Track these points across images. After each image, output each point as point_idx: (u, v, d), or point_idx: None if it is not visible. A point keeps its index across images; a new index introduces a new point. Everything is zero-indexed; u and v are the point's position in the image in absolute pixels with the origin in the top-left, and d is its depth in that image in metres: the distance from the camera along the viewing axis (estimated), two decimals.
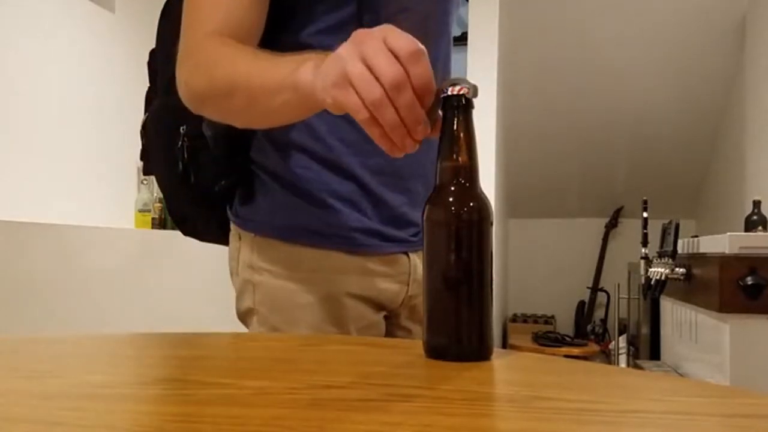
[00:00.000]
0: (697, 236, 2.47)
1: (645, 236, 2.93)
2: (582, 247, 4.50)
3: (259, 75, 0.66)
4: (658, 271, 2.55)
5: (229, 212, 0.88)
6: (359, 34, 0.57)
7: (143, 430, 0.37)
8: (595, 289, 4.41)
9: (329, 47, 0.78)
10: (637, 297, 3.21)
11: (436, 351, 0.56)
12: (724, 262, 1.96)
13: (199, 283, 2.36)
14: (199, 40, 0.73)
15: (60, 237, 1.98)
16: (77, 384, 0.49)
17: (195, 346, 0.67)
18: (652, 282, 2.60)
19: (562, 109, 4.01)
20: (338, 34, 0.79)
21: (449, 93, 0.56)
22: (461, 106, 0.56)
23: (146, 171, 0.97)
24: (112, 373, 0.54)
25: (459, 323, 0.56)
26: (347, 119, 0.58)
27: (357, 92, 0.54)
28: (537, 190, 4.42)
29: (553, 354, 2.17)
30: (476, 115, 0.57)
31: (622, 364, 3.18)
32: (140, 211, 2.71)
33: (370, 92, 0.54)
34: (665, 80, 3.78)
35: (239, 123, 0.76)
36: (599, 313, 4.42)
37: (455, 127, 0.56)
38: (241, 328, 0.86)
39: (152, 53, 0.94)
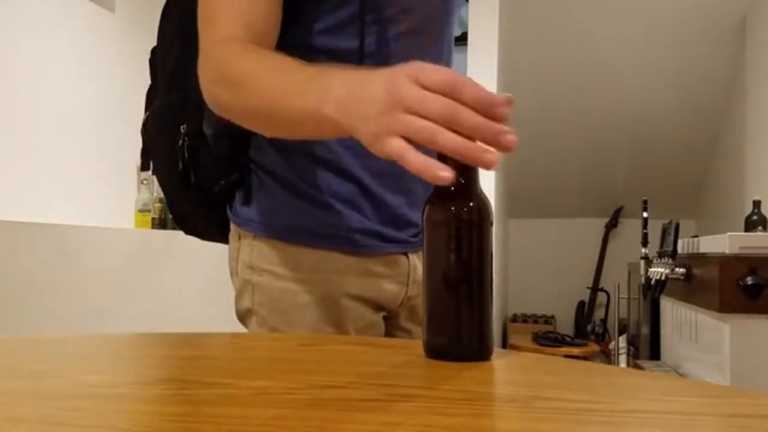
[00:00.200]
0: (697, 236, 2.47)
1: (645, 236, 2.94)
2: (582, 247, 4.50)
3: (284, 101, 0.65)
4: (658, 271, 2.55)
5: (228, 212, 0.88)
6: (387, 82, 0.54)
7: (143, 430, 0.37)
8: (595, 289, 4.41)
9: (331, 47, 0.79)
10: (637, 297, 3.21)
11: (436, 351, 0.56)
12: (724, 262, 1.96)
13: (199, 283, 2.36)
14: (219, 42, 0.72)
15: (60, 237, 1.98)
16: (77, 384, 0.49)
17: (195, 346, 0.66)
18: (652, 282, 2.60)
19: (562, 109, 4.01)
20: (339, 34, 0.79)
21: None
22: None
23: (144, 167, 0.97)
24: (112, 373, 0.54)
25: (459, 323, 0.56)
26: None
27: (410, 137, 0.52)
28: (537, 190, 4.42)
29: (553, 354, 2.17)
30: None
31: (622, 364, 3.18)
32: (140, 211, 2.71)
33: (420, 131, 0.51)
34: (665, 80, 3.78)
35: (266, 135, 0.77)
36: (599, 313, 4.43)
37: None
38: (241, 329, 0.86)
39: (154, 51, 0.94)
